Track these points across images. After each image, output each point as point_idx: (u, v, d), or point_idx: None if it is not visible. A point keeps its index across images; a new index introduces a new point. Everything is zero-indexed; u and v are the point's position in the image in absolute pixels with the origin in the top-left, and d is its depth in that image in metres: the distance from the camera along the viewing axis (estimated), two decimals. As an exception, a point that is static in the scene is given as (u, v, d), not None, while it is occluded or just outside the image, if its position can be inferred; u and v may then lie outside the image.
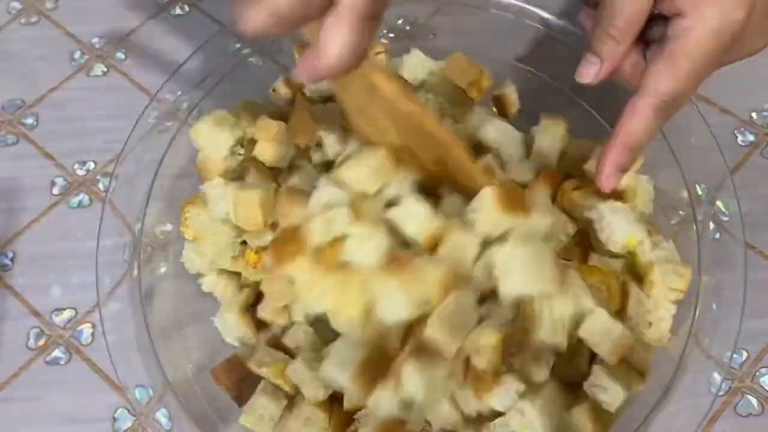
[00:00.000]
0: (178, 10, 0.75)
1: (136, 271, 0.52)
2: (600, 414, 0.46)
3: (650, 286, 0.48)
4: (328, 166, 0.52)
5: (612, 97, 0.57)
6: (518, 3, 0.59)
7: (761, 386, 0.55)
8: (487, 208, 0.45)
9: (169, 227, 0.56)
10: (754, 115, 0.66)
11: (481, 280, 0.45)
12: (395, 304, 0.44)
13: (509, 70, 0.62)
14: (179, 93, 0.57)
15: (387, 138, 0.47)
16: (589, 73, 0.46)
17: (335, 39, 0.36)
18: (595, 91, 0.58)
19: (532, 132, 0.55)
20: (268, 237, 0.51)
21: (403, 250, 0.45)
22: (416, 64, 0.60)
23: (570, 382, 0.47)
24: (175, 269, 0.55)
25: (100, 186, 0.65)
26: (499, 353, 0.44)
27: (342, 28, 0.35)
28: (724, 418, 0.53)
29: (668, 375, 0.47)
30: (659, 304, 0.48)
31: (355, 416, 0.48)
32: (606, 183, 0.47)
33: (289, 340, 0.51)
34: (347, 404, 0.47)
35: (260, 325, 0.53)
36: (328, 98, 0.58)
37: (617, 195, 0.51)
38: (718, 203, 0.51)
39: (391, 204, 0.46)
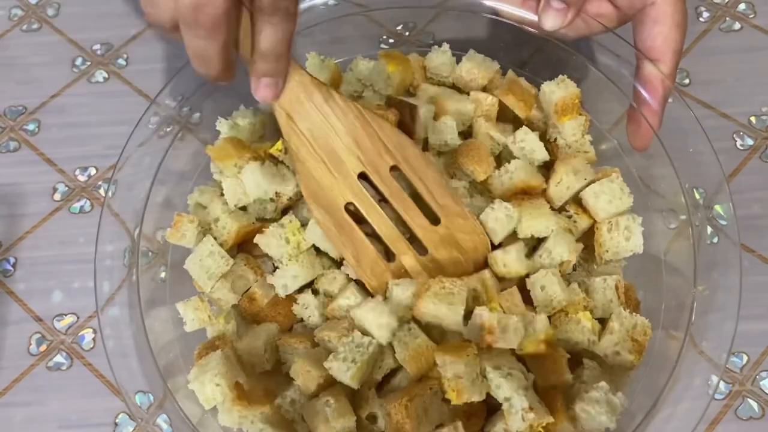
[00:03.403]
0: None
1: (135, 277, 0.52)
2: None
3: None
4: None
5: (607, 102, 0.58)
6: (516, 9, 0.59)
7: (762, 389, 0.55)
8: None
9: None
10: (753, 119, 0.66)
11: None
12: None
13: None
14: (179, 98, 0.57)
15: (344, 167, 0.51)
16: (557, 19, 0.52)
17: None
18: (592, 97, 0.58)
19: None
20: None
21: None
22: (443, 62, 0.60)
23: None
24: (173, 274, 0.55)
25: (102, 192, 0.65)
26: None
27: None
28: (725, 421, 0.53)
29: (665, 377, 0.47)
30: None
31: None
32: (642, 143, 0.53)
33: None
34: None
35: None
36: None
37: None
38: (716, 207, 0.51)
39: None
